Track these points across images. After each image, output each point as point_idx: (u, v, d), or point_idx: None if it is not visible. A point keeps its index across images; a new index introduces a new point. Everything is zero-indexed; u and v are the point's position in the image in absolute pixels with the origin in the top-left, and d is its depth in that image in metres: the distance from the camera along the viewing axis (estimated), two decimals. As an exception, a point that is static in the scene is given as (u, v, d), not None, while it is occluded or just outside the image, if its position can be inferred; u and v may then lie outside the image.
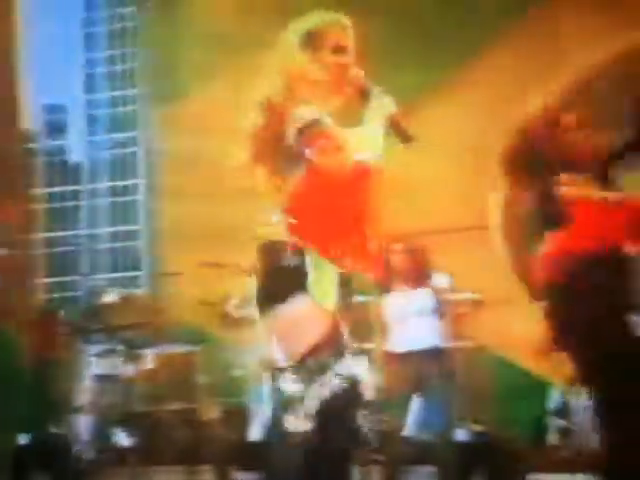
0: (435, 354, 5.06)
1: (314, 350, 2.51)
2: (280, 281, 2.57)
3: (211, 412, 5.46)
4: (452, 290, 5.32)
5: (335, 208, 2.57)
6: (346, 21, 2.75)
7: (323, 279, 2.57)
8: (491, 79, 6.97)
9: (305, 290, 2.54)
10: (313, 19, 2.74)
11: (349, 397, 2.56)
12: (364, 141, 2.61)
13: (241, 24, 7.41)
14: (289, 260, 2.56)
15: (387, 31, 6.93)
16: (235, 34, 7.47)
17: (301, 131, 2.53)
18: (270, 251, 2.62)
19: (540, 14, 7.04)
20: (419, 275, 5.24)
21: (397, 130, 2.66)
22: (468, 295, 5.62)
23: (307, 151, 2.53)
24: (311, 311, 2.54)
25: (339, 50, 2.70)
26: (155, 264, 8.07)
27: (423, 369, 5.04)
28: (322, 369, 2.51)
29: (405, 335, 5.08)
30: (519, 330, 6.18)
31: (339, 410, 2.54)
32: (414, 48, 7.15)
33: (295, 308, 2.53)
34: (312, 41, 2.69)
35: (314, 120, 2.55)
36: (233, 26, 7.46)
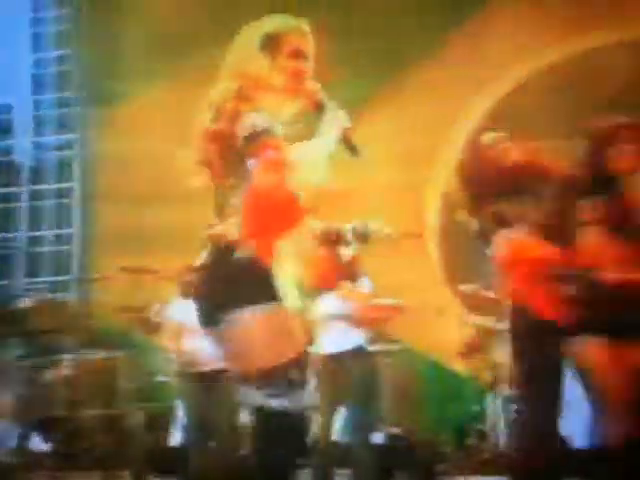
0: (358, 357, 5.14)
1: (280, 366, 2.42)
2: (236, 287, 2.45)
3: (133, 417, 5.48)
4: (375, 295, 5.40)
5: (270, 219, 2.50)
6: (306, 27, 2.69)
7: (285, 284, 2.51)
8: (420, 96, 7.08)
9: (268, 298, 2.45)
10: (273, 22, 2.69)
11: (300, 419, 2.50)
12: (311, 158, 2.56)
13: (182, 26, 7.41)
14: (245, 265, 2.45)
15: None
16: (175, 36, 7.47)
17: (248, 139, 2.48)
18: (224, 256, 2.50)
19: (472, 30, 7.18)
20: (343, 279, 5.30)
21: (347, 144, 2.64)
22: (391, 300, 5.71)
23: (251, 161, 2.47)
24: (278, 321, 2.45)
25: (298, 55, 2.65)
26: (84, 268, 8.04)
27: (347, 372, 5.11)
28: (286, 385, 2.43)
29: (330, 338, 5.14)
30: (445, 334, 6.35)
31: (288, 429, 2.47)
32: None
33: (259, 317, 2.43)
34: (270, 45, 2.63)
35: (263, 129, 2.49)
36: (173, 28, 7.45)
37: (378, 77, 7.24)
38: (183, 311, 4.94)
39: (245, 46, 2.68)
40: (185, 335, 4.88)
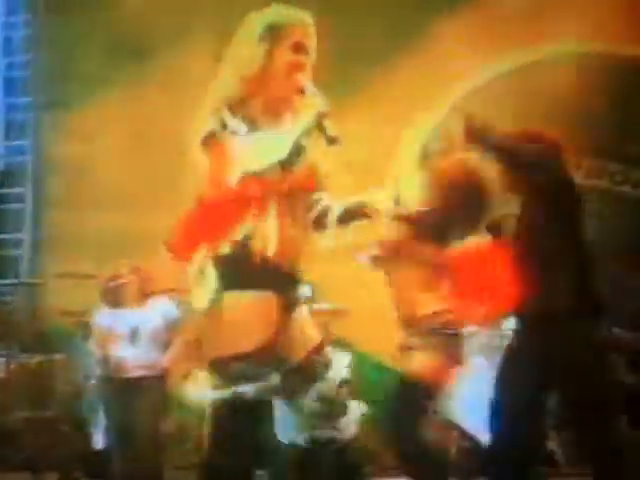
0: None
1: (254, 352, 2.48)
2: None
3: (65, 420, 5.54)
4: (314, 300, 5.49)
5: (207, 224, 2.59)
6: (309, 20, 2.68)
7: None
8: (366, 113, 7.19)
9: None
10: (276, 12, 2.67)
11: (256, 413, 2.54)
12: (266, 149, 2.55)
13: (140, 31, 7.46)
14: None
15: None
16: (133, 41, 7.52)
17: (202, 141, 2.56)
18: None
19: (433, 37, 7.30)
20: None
21: (322, 131, 2.59)
22: (330, 305, 5.82)
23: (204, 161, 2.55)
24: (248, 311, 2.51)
25: (299, 49, 2.64)
26: (30, 273, 8.07)
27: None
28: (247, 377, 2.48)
29: None
30: (383, 335, 6.43)
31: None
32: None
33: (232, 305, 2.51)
34: (273, 35, 2.61)
35: (212, 131, 2.55)
36: (132, 32, 7.50)
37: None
38: (110, 318, 5.05)
39: (246, 35, 2.66)
40: (112, 341, 4.98)
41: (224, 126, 2.56)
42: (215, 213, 2.57)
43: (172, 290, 5.31)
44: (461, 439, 5.11)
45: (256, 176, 2.52)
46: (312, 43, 2.67)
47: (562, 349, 3.18)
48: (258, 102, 2.64)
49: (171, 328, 5.11)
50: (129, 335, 5.01)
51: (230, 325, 2.52)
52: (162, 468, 5.03)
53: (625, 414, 5.11)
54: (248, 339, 2.48)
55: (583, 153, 7.25)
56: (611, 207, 7.03)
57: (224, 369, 2.50)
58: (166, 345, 5.09)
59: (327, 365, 2.71)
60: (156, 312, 5.12)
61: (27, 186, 8.47)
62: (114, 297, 5.11)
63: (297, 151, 2.57)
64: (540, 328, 3.24)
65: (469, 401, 5.05)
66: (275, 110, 2.66)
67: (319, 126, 2.57)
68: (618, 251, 6.46)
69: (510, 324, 5.27)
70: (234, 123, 2.55)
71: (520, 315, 3.40)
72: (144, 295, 5.14)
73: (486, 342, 5.43)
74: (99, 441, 5.21)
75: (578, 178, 7.03)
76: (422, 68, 7.23)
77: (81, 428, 5.45)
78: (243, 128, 2.56)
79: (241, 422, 2.51)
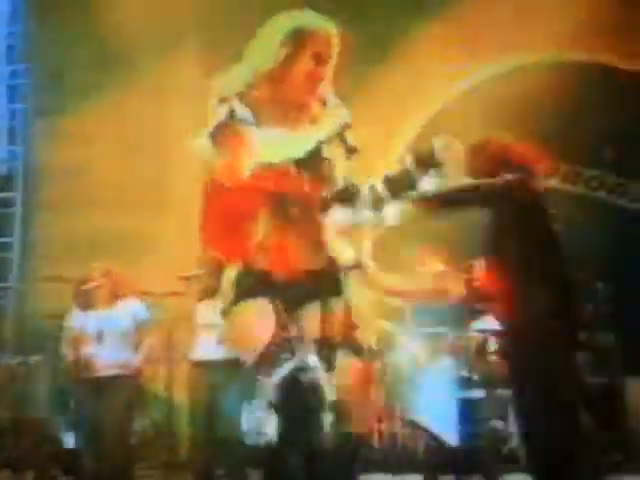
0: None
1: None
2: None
3: (42, 419, 5.63)
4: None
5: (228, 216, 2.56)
6: (334, 30, 2.64)
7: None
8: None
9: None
10: (305, 17, 2.64)
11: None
12: (283, 145, 2.55)
13: (130, 39, 7.55)
14: None
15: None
16: (123, 49, 7.62)
17: (215, 129, 2.52)
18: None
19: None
20: None
21: (343, 141, 2.61)
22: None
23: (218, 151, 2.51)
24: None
25: (320, 59, 2.61)
26: (19, 276, 8.18)
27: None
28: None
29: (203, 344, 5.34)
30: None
31: None
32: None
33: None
34: (297, 39, 2.58)
35: (222, 122, 2.52)
36: (122, 40, 7.59)
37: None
38: (81, 319, 5.19)
39: (270, 33, 2.62)
40: (82, 342, 5.11)
41: (232, 115, 2.54)
42: (234, 204, 2.55)
43: (145, 293, 5.47)
44: (427, 438, 5.22)
45: (271, 168, 2.53)
46: (333, 53, 2.63)
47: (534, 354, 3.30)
48: (269, 99, 2.62)
49: (141, 329, 5.22)
50: (98, 336, 5.12)
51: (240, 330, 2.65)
52: (132, 466, 5.15)
53: (589, 415, 5.24)
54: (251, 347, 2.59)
55: (559, 159, 7.40)
56: (586, 213, 7.13)
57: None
58: (137, 345, 5.20)
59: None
60: (126, 313, 5.22)
61: (17, 190, 8.60)
62: (85, 299, 5.22)
63: (315, 155, 2.59)
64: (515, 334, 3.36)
65: (435, 401, 5.17)
66: (286, 112, 2.65)
67: (340, 136, 2.59)
68: (591, 256, 6.56)
69: (477, 326, 5.41)
70: (243, 112, 2.54)
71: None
72: (115, 297, 5.25)
73: (454, 343, 5.56)
74: (70, 440, 5.33)
75: (554, 183, 7.28)
76: (398, 78, 7.33)
77: (54, 427, 5.54)
78: (252, 119, 2.55)
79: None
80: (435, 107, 7.63)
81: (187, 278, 5.37)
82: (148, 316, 5.28)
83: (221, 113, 2.54)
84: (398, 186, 2.66)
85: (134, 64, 7.60)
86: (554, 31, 7.01)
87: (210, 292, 5.45)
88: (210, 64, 8.23)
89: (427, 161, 2.68)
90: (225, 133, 2.51)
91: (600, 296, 5.69)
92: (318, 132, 2.58)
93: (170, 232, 7.15)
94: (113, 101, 7.55)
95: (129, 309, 5.25)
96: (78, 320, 5.24)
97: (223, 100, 2.57)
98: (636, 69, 7.29)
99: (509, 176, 3.44)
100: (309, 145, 2.56)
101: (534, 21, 7.09)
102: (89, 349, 5.07)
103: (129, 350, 5.17)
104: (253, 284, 2.60)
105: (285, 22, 2.61)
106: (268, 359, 2.54)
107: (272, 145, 2.53)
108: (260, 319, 2.58)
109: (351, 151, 2.59)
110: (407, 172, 2.66)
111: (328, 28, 2.62)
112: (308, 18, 2.63)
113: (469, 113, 6.98)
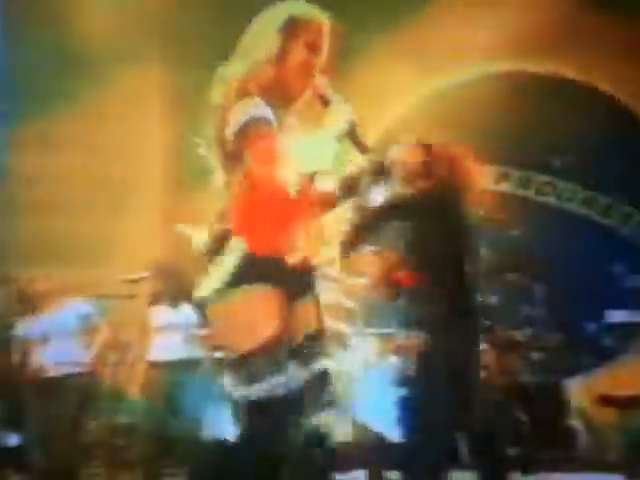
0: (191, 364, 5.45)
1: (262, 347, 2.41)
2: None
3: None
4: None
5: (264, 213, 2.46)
6: (326, 20, 2.62)
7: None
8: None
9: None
10: (299, 6, 2.61)
11: None
12: (310, 152, 2.49)
13: (96, 44, 7.61)
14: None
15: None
16: (88, 54, 7.68)
17: (241, 129, 2.43)
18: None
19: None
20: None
21: (354, 140, 2.55)
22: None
23: (245, 152, 2.43)
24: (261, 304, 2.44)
25: (312, 48, 2.59)
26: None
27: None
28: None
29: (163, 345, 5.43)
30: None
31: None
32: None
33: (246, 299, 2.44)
34: (291, 27, 2.56)
35: (255, 118, 2.43)
36: (87, 45, 7.64)
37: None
38: (27, 324, 5.31)
39: (265, 23, 2.61)
40: (28, 346, 5.24)
41: (254, 115, 2.45)
42: (281, 209, 2.46)
43: (99, 295, 5.57)
44: (370, 436, 5.35)
45: (312, 179, 2.50)
46: (325, 43, 2.62)
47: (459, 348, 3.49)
48: (266, 90, 2.55)
49: (90, 329, 5.31)
50: (42, 339, 5.22)
51: (236, 322, 2.47)
52: (82, 464, 5.24)
53: (525, 413, 5.39)
54: (254, 334, 2.43)
55: (511, 165, 7.59)
56: (537, 217, 7.31)
57: (243, 367, 2.44)
58: (88, 345, 5.29)
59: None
60: (70, 315, 5.31)
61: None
62: (29, 304, 5.34)
63: (337, 159, 2.56)
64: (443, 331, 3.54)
65: (378, 399, 5.30)
66: (283, 102, 2.60)
67: (351, 134, 2.54)
68: (543, 260, 6.72)
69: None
70: (264, 110, 2.47)
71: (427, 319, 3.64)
72: (59, 300, 5.34)
73: (399, 343, 5.68)
74: (13, 439, 5.44)
75: (506, 188, 7.46)
76: (357, 88, 7.45)
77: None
78: (272, 116, 2.48)
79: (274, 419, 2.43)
80: (389, 119, 7.79)
81: (134, 281, 5.45)
82: (95, 317, 5.35)
83: (241, 111, 2.45)
84: (349, 191, 2.67)
85: (100, 71, 7.68)
86: (510, 43, 7.13)
87: (159, 297, 5.60)
88: (175, 71, 8.43)
89: (379, 170, 2.75)
90: (250, 136, 2.42)
91: (538, 297, 5.84)
92: (327, 133, 2.53)
93: (130, 235, 7.25)
94: (79, 108, 7.63)
95: (74, 311, 5.33)
96: (22, 328, 5.37)
97: (239, 93, 2.50)
98: (591, 81, 7.49)
99: (425, 183, 3.62)
100: (331, 150, 2.51)
101: (491, 33, 7.21)
102: (36, 353, 5.18)
103: (79, 350, 5.25)
104: (259, 267, 2.44)
105: (281, 10, 2.61)
106: (263, 361, 2.42)
107: (309, 153, 2.50)
108: (263, 308, 2.44)
109: (364, 150, 2.57)
110: (359, 179, 2.67)
111: (321, 17, 2.62)
112: (303, 6, 2.63)
113: (426, 122, 7.11)
